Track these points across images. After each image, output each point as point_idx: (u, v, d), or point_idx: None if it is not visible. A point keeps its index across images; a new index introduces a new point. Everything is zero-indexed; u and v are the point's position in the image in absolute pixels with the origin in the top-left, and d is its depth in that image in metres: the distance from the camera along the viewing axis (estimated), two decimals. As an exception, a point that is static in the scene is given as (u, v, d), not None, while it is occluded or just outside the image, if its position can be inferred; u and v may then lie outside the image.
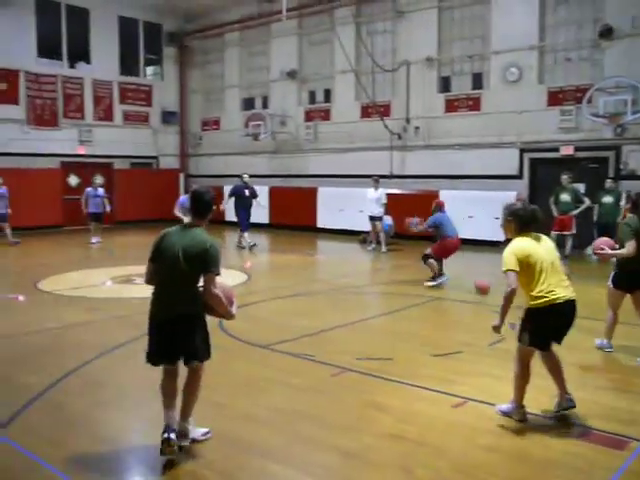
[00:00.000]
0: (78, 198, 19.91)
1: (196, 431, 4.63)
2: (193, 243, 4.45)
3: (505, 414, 5.00)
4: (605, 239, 7.16)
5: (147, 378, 6.23)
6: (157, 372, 6.36)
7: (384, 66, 18.28)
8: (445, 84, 17.90)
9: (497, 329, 4.99)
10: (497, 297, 9.70)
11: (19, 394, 5.63)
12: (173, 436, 4.34)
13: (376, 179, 15.93)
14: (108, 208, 17.35)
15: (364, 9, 18.96)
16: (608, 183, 13.67)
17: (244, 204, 16.16)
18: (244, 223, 16.14)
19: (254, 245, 15.93)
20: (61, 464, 4.35)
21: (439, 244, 11.13)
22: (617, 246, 6.73)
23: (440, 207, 11.52)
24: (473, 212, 16.33)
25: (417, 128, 18.00)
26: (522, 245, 4.93)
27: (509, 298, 4.87)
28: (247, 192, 16.24)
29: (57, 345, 7.36)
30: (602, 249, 6.80)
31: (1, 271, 13.58)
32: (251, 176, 21.44)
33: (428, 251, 11.08)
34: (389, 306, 9.52)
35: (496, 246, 15.54)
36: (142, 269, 11.73)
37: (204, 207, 4.65)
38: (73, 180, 21.24)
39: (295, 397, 5.59)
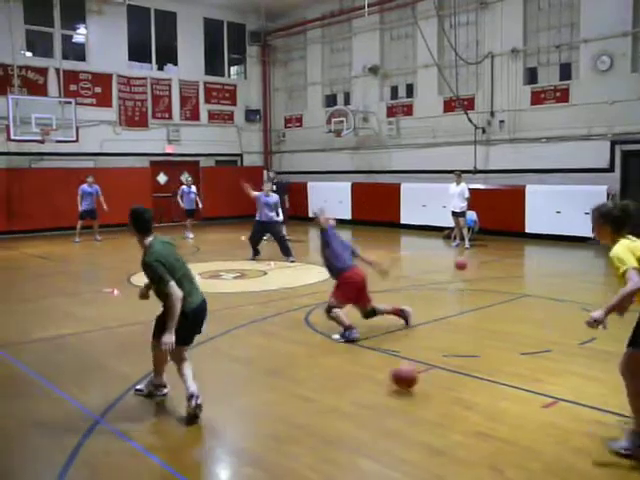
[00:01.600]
0: (167, 196, 20.70)
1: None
2: None
3: (627, 451, 4.31)
4: None
5: (236, 371, 6.44)
6: (243, 367, 6.56)
7: (468, 59, 17.97)
8: (531, 75, 17.42)
9: (596, 323, 4.17)
10: (588, 295, 9.45)
11: (117, 383, 5.90)
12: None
13: (458, 174, 15.69)
14: (200, 205, 18.33)
15: (447, 1, 18.67)
16: None
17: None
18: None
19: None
20: (153, 449, 4.55)
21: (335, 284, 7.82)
22: None
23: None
24: (561, 207, 15.87)
25: (502, 122, 17.61)
26: (631, 244, 4.36)
27: (629, 297, 4.15)
28: (275, 188, 16.16)
29: (150, 338, 7.62)
30: None
31: (97, 266, 14.22)
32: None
33: (331, 300, 7.56)
34: (474, 303, 9.37)
35: (585, 242, 15.10)
36: (228, 265, 12.10)
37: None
38: (162, 178, 21.98)
39: (381, 393, 5.60)
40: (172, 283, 5.14)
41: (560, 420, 4.92)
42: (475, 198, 17.05)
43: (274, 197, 13.80)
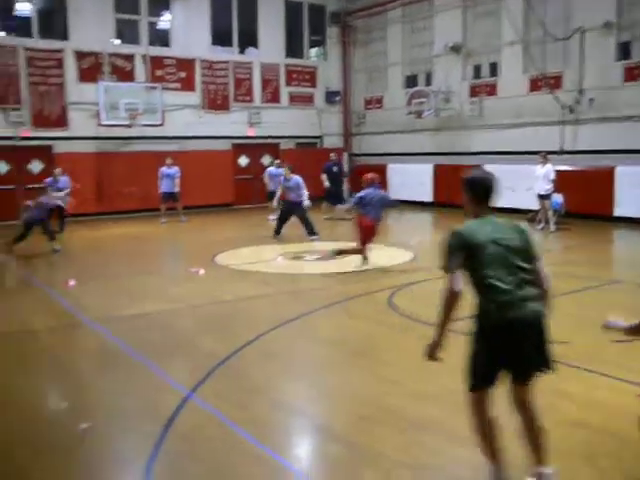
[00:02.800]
0: (248, 178, 21.01)
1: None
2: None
3: None
4: None
5: (321, 352, 6.51)
6: (329, 347, 6.62)
7: (556, 35, 17.32)
8: (624, 50, 16.62)
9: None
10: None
11: (205, 359, 6.07)
12: None
13: (544, 155, 15.21)
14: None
15: (534, -25, 18.03)
16: None
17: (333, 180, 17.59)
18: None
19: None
20: (244, 425, 4.64)
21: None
22: None
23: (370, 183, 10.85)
24: (655, 189, 15.16)
25: (591, 100, 16.89)
26: None
27: None
28: (335, 169, 17.60)
29: (236, 316, 7.82)
30: None
31: (182, 247, 14.63)
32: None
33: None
34: (561, 288, 9.00)
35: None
36: (310, 246, 12.16)
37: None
38: (243, 161, 22.31)
39: (468, 378, 5.53)
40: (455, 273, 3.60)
41: (657, 410, 4.73)
42: (561, 180, 16.49)
43: (294, 180, 14.15)
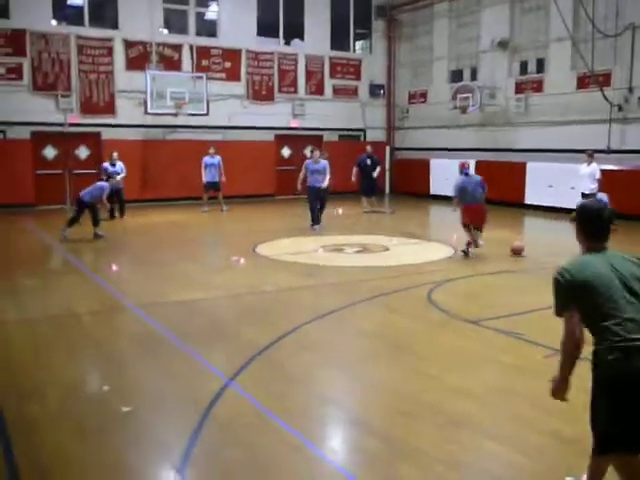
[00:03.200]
0: (290, 169, 21.10)
1: None
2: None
3: None
4: None
5: (360, 345, 6.56)
6: (368, 340, 6.67)
7: (606, 31, 16.97)
8: (678, 48, 16.22)
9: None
10: None
11: (244, 348, 6.17)
12: None
13: (590, 153, 14.96)
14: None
15: (586, -30, 17.69)
16: None
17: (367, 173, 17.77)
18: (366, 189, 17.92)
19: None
20: (281, 414, 4.71)
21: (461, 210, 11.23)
22: None
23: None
24: None
25: (641, 98, 16.56)
26: None
27: None
28: (369, 161, 17.79)
29: (276, 307, 7.92)
30: None
31: (224, 236, 14.80)
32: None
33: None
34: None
35: None
36: (350, 239, 12.23)
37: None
38: (286, 152, 22.42)
39: (506, 375, 5.54)
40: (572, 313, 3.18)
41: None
42: (608, 180, 16.20)
43: (322, 163, 14.55)
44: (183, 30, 20.61)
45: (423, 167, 22.44)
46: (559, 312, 3.24)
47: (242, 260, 10.71)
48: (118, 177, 15.79)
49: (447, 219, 17.25)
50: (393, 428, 4.57)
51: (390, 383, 5.46)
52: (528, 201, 18.79)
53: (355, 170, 17.90)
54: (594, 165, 14.81)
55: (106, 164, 16.33)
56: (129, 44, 19.42)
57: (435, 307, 7.71)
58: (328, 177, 14.48)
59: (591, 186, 14.75)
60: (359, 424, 4.73)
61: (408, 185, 23.27)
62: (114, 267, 10.12)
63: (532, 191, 18.71)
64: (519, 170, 19.13)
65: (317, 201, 14.62)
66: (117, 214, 16.20)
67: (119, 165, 16.41)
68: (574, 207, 12.91)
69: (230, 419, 4.68)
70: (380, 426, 4.62)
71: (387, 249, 12.01)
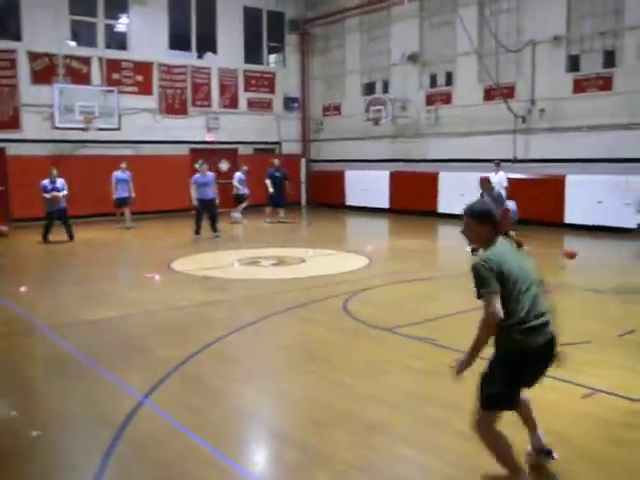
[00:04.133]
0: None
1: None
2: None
3: None
4: None
5: (276, 357, 6.57)
6: (283, 352, 6.69)
7: (508, 46, 17.76)
8: (574, 63, 17.13)
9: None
10: (628, 286, 9.36)
11: (159, 365, 6.07)
12: None
13: (497, 163, 15.61)
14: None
15: (488, -12, 18.47)
16: None
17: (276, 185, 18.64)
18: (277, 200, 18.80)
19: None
20: (198, 430, 4.66)
21: None
22: None
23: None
24: (602, 197, 15.65)
25: (542, 110, 17.36)
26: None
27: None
28: (278, 174, 18.68)
29: (191, 322, 7.83)
30: None
31: (138, 253, 14.51)
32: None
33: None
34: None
35: (627, 233, 14.88)
36: (266, 252, 12.22)
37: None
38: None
39: (418, 380, 5.68)
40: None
41: (598, 410, 4.93)
42: (514, 188, 16.89)
43: (210, 176, 15.68)
44: (92, 42, 20.15)
45: (338, 178, 22.75)
46: (485, 293, 3.59)
47: (157, 277, 10.54)
48: (60, 194, 14.84)
49: (362, 230, 17.62)
50: (309, 437, 4.60)
51: (305, 393, 5.50)
52: (441, 210, 19.34)
53: (268, 182, 18.58)
54: (501, 174, 15.43)
55: (45, 182, 14.89)
56: (34, 56, 18.80)
57: (350, 316, 7.81)
58: (216, 190, 15.63)
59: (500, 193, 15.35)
60: (276, 435, 4.75)
61: (324, 196, 23.53)
62: (22, 288, 9.73)
63: (444, 200, 19.26)
64: (431, 180, 19.68)
65: (205, 213, 15.33)
66: (65, 236, 15.11)
67: (60, 182, 15.05)
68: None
69: (144, 438, 4.60)
70: (296, 436, 4.65)
71: (303, 261, 12.10)
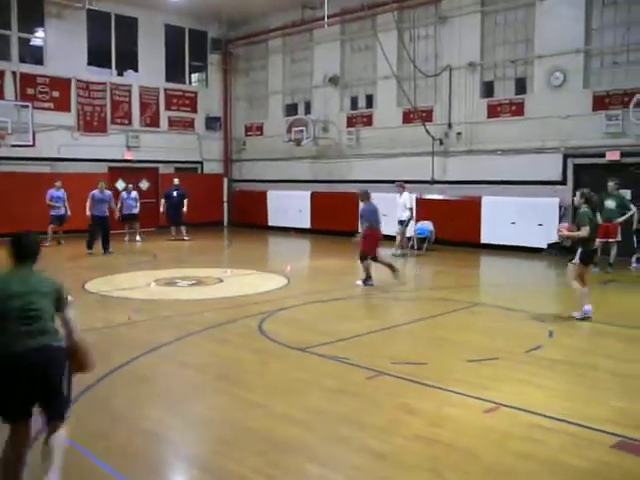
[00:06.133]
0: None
1: None
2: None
3: None
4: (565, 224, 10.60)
5: (188, 377, 6.47)
6: (195, 373, 6.59)
7: (426, 71, 18.30)
8: (488, 89, 17.79)
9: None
10: (538, 305, 9.71)
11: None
12: None
13: (400, 184, 16.07)
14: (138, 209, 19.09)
15: (406, 14, 18.99)
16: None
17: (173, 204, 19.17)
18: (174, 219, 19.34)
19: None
20: (103, 455, 4.53)
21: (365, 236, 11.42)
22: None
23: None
24: (516, 219, 16.22)
25: (459, 134, 17.93)
26: None
27: None
28: (175, 194, 19.18)
29: (104, 343, 7.58)
30: (561, 231, 9.52)
31: (51, 272, 14.00)
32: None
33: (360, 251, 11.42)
34: (425, 312, 9.54)
35: (539, 253, 15.49)
36: (185, 272, 12.03)
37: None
38: (120, 185, 21.76)
39: (330, 399, 5.69)
40: None
41: (502, 425, 5.07)
42: (432, 208, 17.42)
43: (108, 193, 16.44)
44: (5, 56, 19.47)
45: (260, 199, 22.73)
46: None
47: (69, 298, 10.19)
48: None
49: (283, 250, 17.64)
50: (216, 457, 4.54)
51: (215, 413, 5.43)
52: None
53: (163, 202, 19.20)
54: (406, 195, 15.85)
55: None
56: (-59, 69, 18.07)
57: (265, 336, 7.78)
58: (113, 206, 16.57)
59: (404, 214, 15.75)
60: (183, 457, 4.67)
61: (246, 217, 23.44)
62: None
63: (365, 220, 19.44)
64: (352, 201, 19.83)
65: (100, 229, 15.90)
66: None
67: None
68: (392, 234, 13.89)
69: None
70: (204, 457, 4.59)
71: (221, 281, 11.99)
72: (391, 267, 11.57)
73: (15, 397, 3.80)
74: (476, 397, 5.62)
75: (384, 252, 15.12)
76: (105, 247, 15.90)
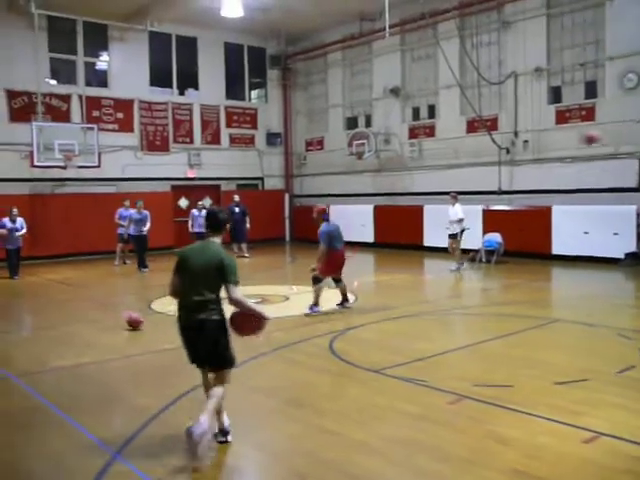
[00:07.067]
0: (188, 220, 20.58)
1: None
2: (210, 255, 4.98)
3: None
4: None
5: (258, 403, 6.19)
6: (265, 397, 6.32)
7: (490, 79, 17.80)
8: (556, 94, 17.15)
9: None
10: (621, 319, 9.13)
11: (135, 415, 5.71)
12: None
13: (453, 195, 15.46)
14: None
15: (468, 21, 18.56)
16: None
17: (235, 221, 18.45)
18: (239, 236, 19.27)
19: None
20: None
21: (325, 259, 9.99)
22: None
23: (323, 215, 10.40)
24: (589, 228, 15.51)
25: (526, 142, 17.34)
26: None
27: None
28: (237, 210, 18.98)
29: (172, 366, 7.43)
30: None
31: (118, 291, 14.12)
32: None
33: (316, 272, 10.06)
34: (503, 329, 9.03)
35: (615, 264, 14.72)
36: (250, 289, 11.82)
37: (218, 223, 5.19)
38: (183, 202, 21.96)
39: (410, 426, 5.33)
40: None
41: (603, 456, 4.60)
42: (500, 219, 16.86)
43: (144, 213, 16.71)
44: (72, 80, 19.97)
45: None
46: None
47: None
48: (18, 234, 15.40)
49: (347, 265, 17.32)
50: (293, 494, 4.26)
51: (288, 443, 5.14)
52: (427, 243, 19.11)
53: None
54: (457, 206, 15.30)
55: (5, 220, 15.32)
56: (12, 94, 18.58)
57: (336, 357, 7.48)
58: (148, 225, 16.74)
59: (456, 226, 15.18)
60: (258, 493, 4.39)
61: (308, 232, 23.18)
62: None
63: (430, 233, 19.04)
64: (416, 213, 19.50)
65: (137, 247, 16.52)
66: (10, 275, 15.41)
67: (19, 221, 15.51)
68: (470, 247, 13.42)
69: (114, 500, 4.23)
70: None
71: (287, 298, 11.77)
72: (345, 298, 10.51)
73: (195, 352, 5.01)
74: (570, 424, 5.16)
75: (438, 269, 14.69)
76: (140, 265, 16.39)
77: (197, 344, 4.96)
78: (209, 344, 4.93)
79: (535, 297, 11.63)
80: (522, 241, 16.42)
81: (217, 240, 5.12)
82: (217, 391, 4.93)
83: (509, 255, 16.19)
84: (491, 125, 17.91)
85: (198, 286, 4.89)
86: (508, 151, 17.64)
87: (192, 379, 6.66)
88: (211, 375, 5.10)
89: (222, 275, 4.86)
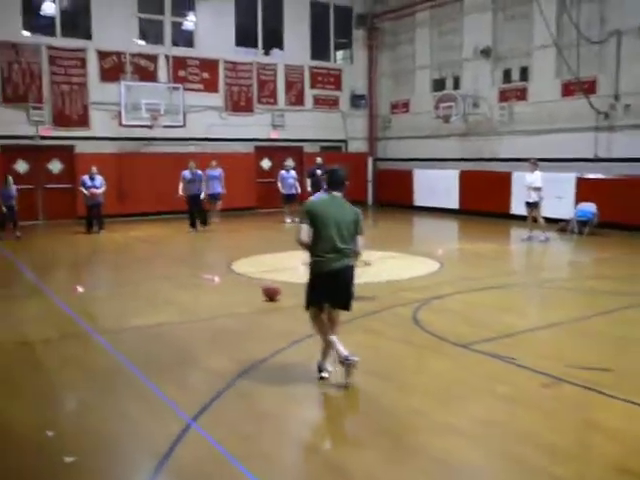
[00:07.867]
0: (271, 181, 20.53)
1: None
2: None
3: None
4: None
5: (335, 374, 5.94)
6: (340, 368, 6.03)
7: (590, 38, 16.65)
8: (663, 55, 15.89)
9: None
10: None
11: (210, 380, 5.61)
12: None
13: (534, 162, 14.60)
14: (299, 189, 18.51)
15: (569, -24, 17.37)
16: None
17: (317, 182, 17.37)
18: None
19: None
20: (249, 462, 4.14)
21: None
22: None
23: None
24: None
25: (628, 106, 16.18)
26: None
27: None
28: (319, 172, 17.48)
29: (248, 331, 7.33)
30: None
31: (201, 252, 14.21)
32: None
33: None
34: (600, 306, 8.42)
35: None
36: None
37: (340, 179, 5.69)
38: (266, 164, 21.91)
39: (501, 409, 4.97)
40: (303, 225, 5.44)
41: None
42: (595, 188, 15.93)
43: (199, 173, 16.81)
44: (159, 40, 20.06)
45: (406, 178, 22.01)
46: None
47: (216, 279, 10.13)
48: (97, 191, 15.98)
49: (431, 231, 16.88)
50: (376, 472, 4.00)
51: (373, 419, 4.89)
52: (514, 211, 18.31)
53: (308, 181, 18.32)
54: (537, 173, 14.45)
55: (85, 177, 16.14)
56: (103, 55, 18.83)
57: (420, 328, 7.16)
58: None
59: (532, 194, 14.36)
60: (334, 469, 4.15)
61: (391, 196, 22.82)
62: (78, 288, 9.47)
63: (518, 201, 18.18)
64: (504, 180, 18.72)
65: (194, 206, 16.69)
66: (95, 228, 16.05)
67: (98, 179, 16.21)
68: (560, 217, 12.62)
69: (189, 468, 4.11)
70: (357, 472, 4.06)
71: (368, 264, 11.44)
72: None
73: (333, 293, 5.53)
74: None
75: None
76: (203, 222, 16.58)
77: (338, 286, 5.47)
78: (349, 286, 5.52)
79: (632, 272, 10.87)
80: (620, 212, 15.44)
81: (339, 195, 5.58)
82: (338, 323, 5.77)
83: (604, 227, 15.29)
84: (588, 88, 16.83)
85: (343, 235, 5.40)
86: (607, 116, 16.55)
87: (267, 345, 6.55)
88: (324, 315, 5.61)
89: (357, 227, 5.49)
